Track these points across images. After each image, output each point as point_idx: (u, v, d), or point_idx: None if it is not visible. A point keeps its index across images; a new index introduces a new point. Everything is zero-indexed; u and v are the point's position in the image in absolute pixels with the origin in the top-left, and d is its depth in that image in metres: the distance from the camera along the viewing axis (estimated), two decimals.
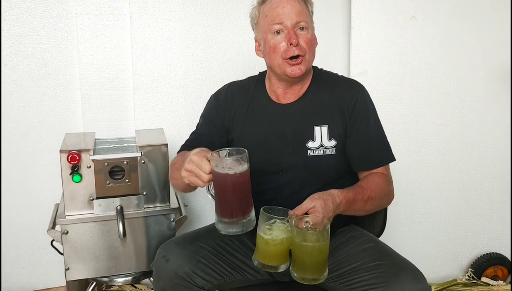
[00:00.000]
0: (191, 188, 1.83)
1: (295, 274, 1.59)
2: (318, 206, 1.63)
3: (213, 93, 2.12)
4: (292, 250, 1.58)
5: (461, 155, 3.02)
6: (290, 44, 1.83)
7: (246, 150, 1.58)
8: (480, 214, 3.11)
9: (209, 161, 1.58)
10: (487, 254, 3.11)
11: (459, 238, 3.14)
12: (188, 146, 2.01)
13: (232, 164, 1.55)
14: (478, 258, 3.12)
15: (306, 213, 1.63)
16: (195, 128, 2.10)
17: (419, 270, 1.75)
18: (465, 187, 3.06)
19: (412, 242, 3.09)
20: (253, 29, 2.01)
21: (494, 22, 2.89)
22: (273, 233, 1.58)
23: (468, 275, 3.09)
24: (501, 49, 2.92)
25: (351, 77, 2.79)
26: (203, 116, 2.10)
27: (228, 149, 1.63)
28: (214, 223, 2.10)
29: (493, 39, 2.90)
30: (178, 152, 2.05)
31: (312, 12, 1.96)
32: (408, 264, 1.78)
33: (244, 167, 1.56)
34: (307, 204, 1.65)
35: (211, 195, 1.62)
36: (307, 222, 1.58)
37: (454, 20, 2.85)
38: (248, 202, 1.63)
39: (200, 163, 1.59)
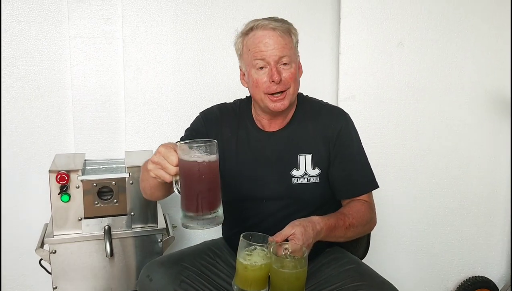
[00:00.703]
0: (158, 191, 1.80)
1: None
2: (298, 233, 1.65)
3: (201, 111, 2.12)
4: (270, 276, 1.60)
5: (447, 179, 3.06)
6: (272, 81, 1.84)
7: (216, 141, 1.51)
8: (466, 237, 3.14)
9: (176, 152, 1.51)
10: (472, 277, 3.14)
11: (445, 261, 3.17)
12: None
13: (200, 153, 1.47)
14: (463, 281, 3.14)
15: (287, 239, 1.64)
16: (179, 140, 2.04)
17: None
18: (451, 211, 3.10)
19: (398, 265, 3.11)
20: (238, 59, 2.01)
21: (479, 49, 2.94)
22: (252, 259, 1.59)
23: None
24: (486, 75, 2.97)
25: (340, 101, 2.84)
26: (189, 129, 2.08)
27: (197, 140, 1.51)
28: (199, 244, 2.14)
29: (479, 65, 2.96)
30: None
31: (297, 42, 1.95)
32: (387, 285, 1.78)
33: (213, 157, 1.49)
34: (287, 230, 1.66)
35: (178, 189, 1.56)
36: (286, 248, 1.60)
37: (439, 47, 2.91)
38: (216, 195, 1.55)
39: (167, 154, 1.52)
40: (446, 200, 3.08)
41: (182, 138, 2.06)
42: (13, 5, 2.57)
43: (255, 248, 1.60)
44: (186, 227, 1.54)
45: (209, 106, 2.14)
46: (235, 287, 1.64)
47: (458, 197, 3.09)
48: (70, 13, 2.62)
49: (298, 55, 1.98)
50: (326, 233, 1.77)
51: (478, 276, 3.15)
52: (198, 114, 2.12)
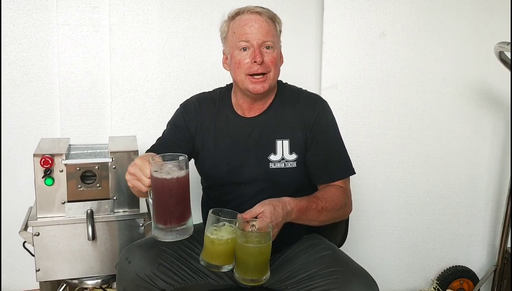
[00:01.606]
0: (141, 192, 1.84)
1: (237, 275, 1.65)
2: (267, 211, 1.69)
3: (181, 103, 2.16)
4: (236, 252, 1.63)
5: (428, 168, 3.08)
6: (254, 62, 1.88)
7: (186, 155, 1.58)
8: (447, 227, 3.17)
9: None
10: (453, 266, 3.16)
11: (426, 250, 3.19)
12: (152, 151, 2.01)
13: (170, 169, 1.53)
14: (444, 270, 3.17)
15: (256, 218, 1.68)
16: (161, 135, 2.12)
17: (371, 277, 1.80)
18: (432, 200, 3.12)
19: (379, 254, 3.14)
20: (222, 43, 2.06)
21: (460, 40, 2.96)
22: (219, 233, 1.63)
23: (433, 287, 3.14)
24: (467, 65, 2.99)
25: (322, 90, 2.87)
26: (170, 123, 2.13)
27: (171, 154, 1.60)
28: None
29: (460, 56, 2.98)
30: None
31: (280, 31, 2.00)
32: (361, 271, 1.82)
33: (182, 172, 1.55)
34: (256, 208, 1.71)
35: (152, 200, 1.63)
36: (253, 225, 1.64)
37: (421, 37, 2.93)
38: (185, 209, 1.62)
39: (143, 167, 1.60)
40: (427, 189, 3.10)
41: (164, 133, 2.12)
42: None
43: (224, 224, 1.64)
44: (156, 238, 1.61)
45: (193, 93, 2.19)
46: (202, 261, 1.68)
47: (439, 186, 3.11)
48: (58, 1, 2.66)
49: (280, 45, 2.02)
50: (297, 214, 1.81)
51: (459, 265, 3.17)
52: (179, 106, 2.16)
